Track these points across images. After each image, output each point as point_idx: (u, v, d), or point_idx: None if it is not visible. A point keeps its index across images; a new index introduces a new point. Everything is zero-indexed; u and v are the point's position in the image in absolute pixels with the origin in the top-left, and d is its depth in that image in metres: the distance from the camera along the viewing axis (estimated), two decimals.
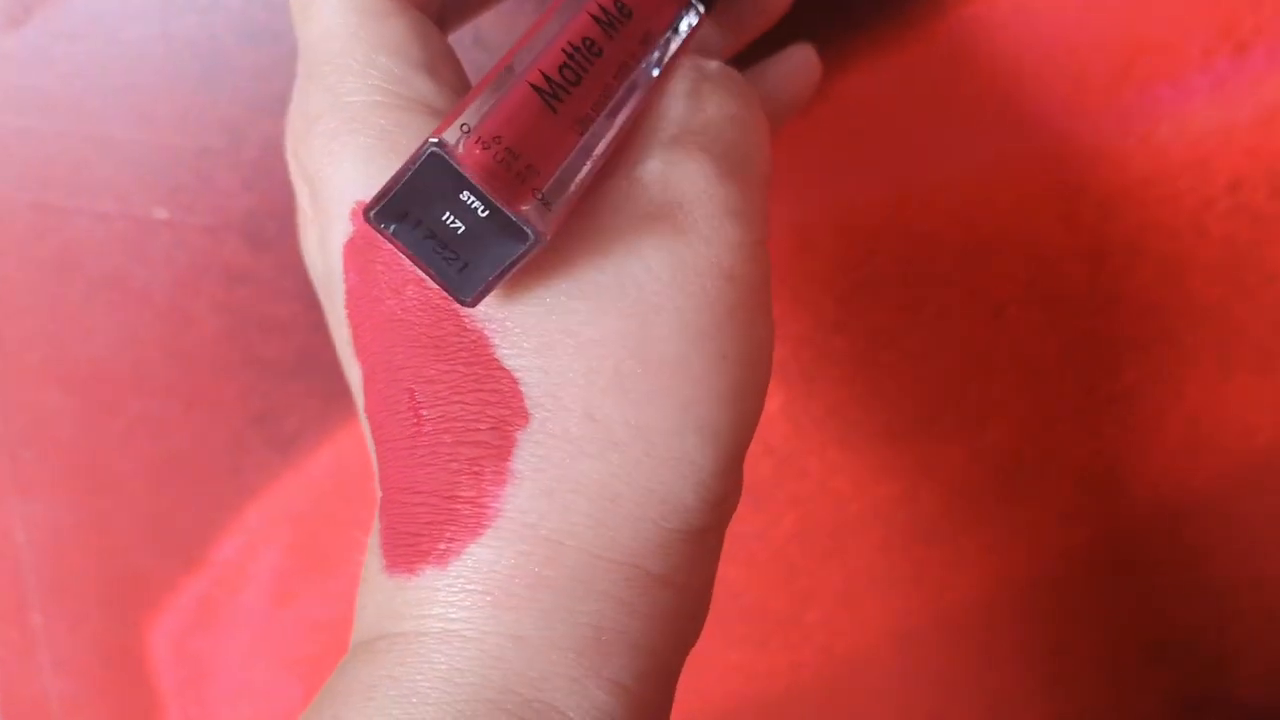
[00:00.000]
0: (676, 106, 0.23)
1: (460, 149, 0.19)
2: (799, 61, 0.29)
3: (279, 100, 0.32)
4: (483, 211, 0.19)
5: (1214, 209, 0.32)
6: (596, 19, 0.22)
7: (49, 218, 0.33)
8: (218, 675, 0.38)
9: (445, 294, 0.20)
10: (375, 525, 0.22)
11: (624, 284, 0.20)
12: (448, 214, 0.19)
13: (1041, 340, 0.34)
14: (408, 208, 0.19)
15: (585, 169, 0.21)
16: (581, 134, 0.21)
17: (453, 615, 0.20)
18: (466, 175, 0.19)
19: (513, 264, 0.19)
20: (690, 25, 0.24)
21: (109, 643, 0.38)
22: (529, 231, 0.19)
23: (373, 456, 0.22)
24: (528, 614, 0.20)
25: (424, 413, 0.21)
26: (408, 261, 0.20)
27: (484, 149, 0.19)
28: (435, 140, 0.19)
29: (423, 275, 0.20)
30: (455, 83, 0.23)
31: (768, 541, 0.36)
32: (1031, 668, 0.37)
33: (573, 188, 0.20)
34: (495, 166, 0.19)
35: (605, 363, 0.20)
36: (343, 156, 0.21)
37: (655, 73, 0.23)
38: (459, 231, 0.19)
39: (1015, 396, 0.34)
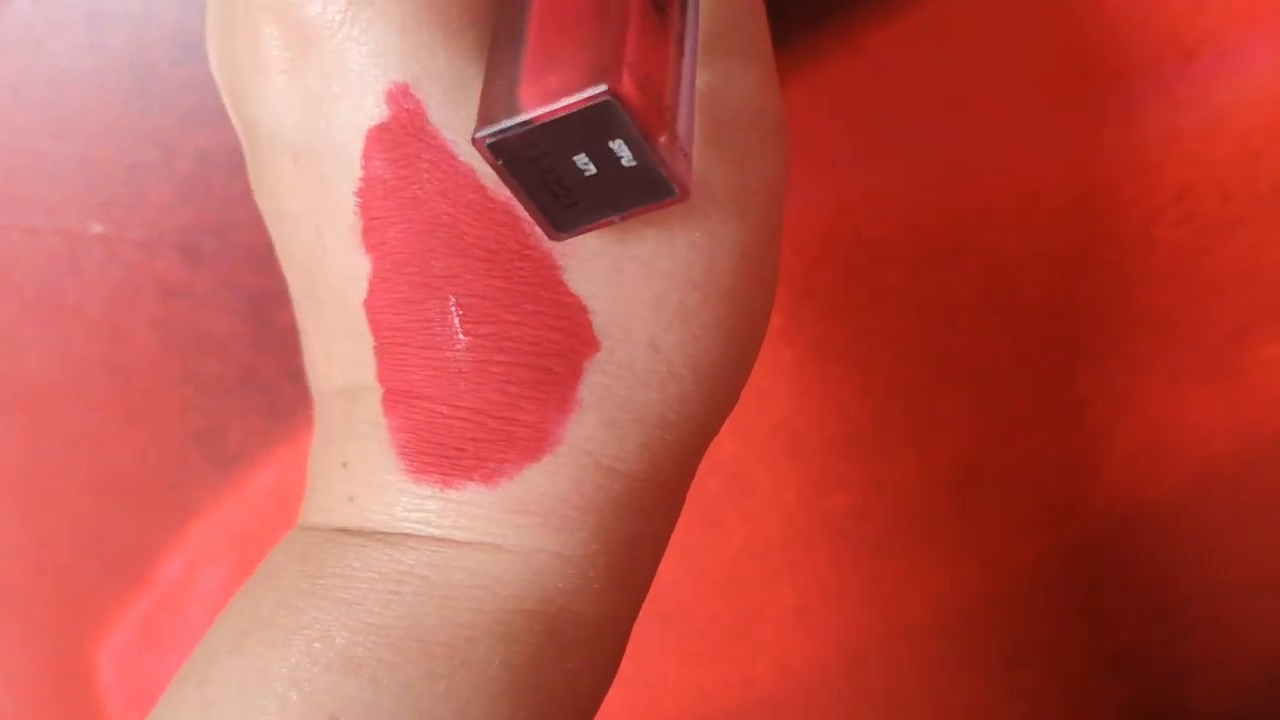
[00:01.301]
0: None
1: (630, 94, 0.16)
2: None
3: (212, 113, 0.31)
4: (628, 162, 0.17)
5: (1164, 218, 0.31)
6: None
7: None
8: (163, 693, 0.37)
9: (509, 207, 0.19)
10: (365, 416, 0.21)
11: (693, 214, 0.20)
12: (582, 155, 0.17)
13: (994, 350, 0.33)
14: (537, 144, 0.17)
15: (690, 96, 0.18)
16: (681, 54, 0.18)
17: (497, 531, 0.20)
18: (635, 127, 0.16)
19: (643, 213, 0.18)
20: None
21: (55, 662, 0.37)
22: (675, 189, 0.17)
23: (339, 341, 0.21)
24: (573, 534, 0.20)
25: (469, 327, 0.20)
26: (466, 165, 0.19)
27: (643, 93, 0.16)
28: (610, 87, 0.16)
29: (510, 198, 0.18)
30: None
31: (718, 557, 0.35)
32: (987, 681, 0.36)
33: (692, 124, 0.18)
34: (652, 114, 0.17)
35: (672, 294, 0.20)
36: (371, 22, 0.19)
37: None
38: (586, 174, 0.17)
39: (967, 407, 0.34)
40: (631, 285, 0.20)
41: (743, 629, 0.36)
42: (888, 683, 0.36)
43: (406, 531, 0.20)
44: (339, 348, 0.21)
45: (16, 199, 0.32)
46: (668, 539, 0.23)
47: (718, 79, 0.20)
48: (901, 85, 0.31)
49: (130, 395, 0.34)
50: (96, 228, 0.33)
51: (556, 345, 0.20)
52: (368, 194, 0.20)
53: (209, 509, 0.35)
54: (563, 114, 0.16)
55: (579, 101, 0.16)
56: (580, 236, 0.19)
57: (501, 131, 0.17)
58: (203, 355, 0.34)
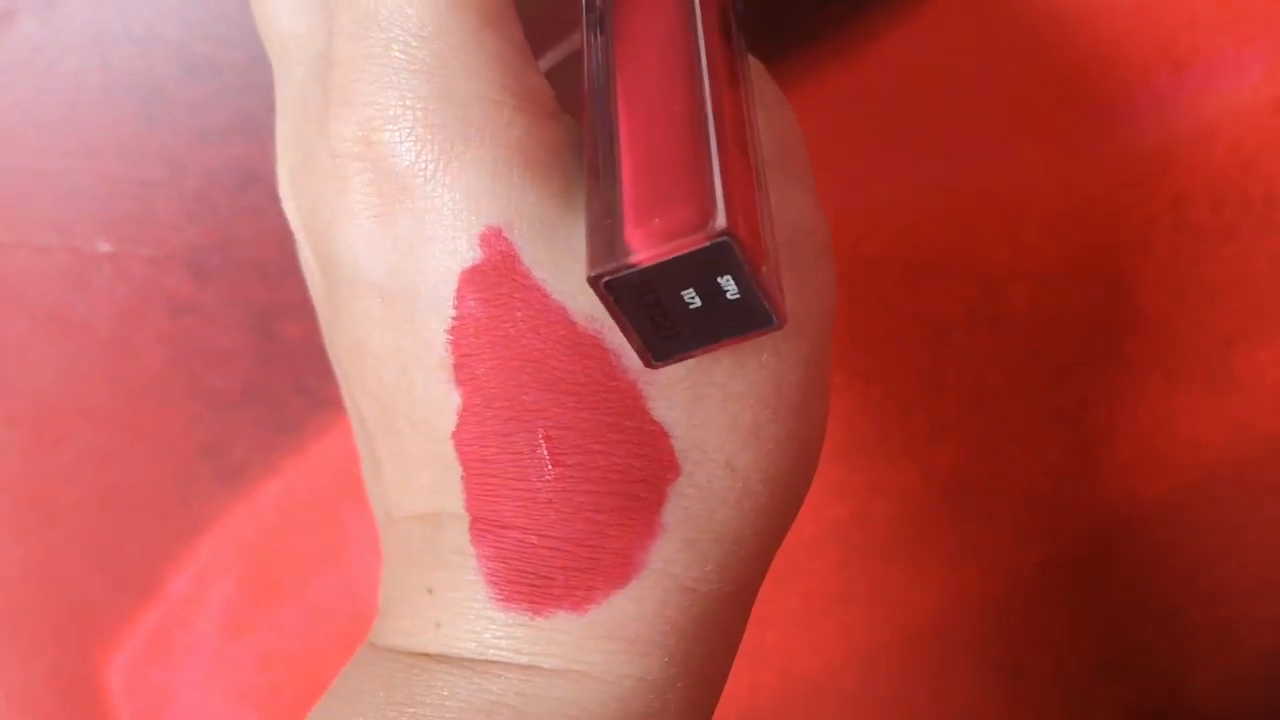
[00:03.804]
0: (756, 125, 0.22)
1: (741, 233, 0.17)
2: None
3: (219, 132, 0.32)
4: (733, 295, 0.18)
5: (1157, 226, 0.32)
6: (725, 35, 0.20)
7: None
8: (174, 707, 0.38)
9: (598, 341, 0.19)
10: (452, 543, 0.21)
11: (760, 336, 0.20)
12: (690, 290, 0.18)
13: (988, 360, 0.34)
14: (650, 281, 0.18)
15: (771, 225, 0.19)
16: (760, 188, 0.19)
17: (585, 658, 0.21)
18: (746, 264, 0.17)
19: (738, 342, 0.19)
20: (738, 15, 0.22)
21: (63, 677, 0.37)
22: (775, 319, 0.18)
23: (424, 470, 0.21)
24: (657, 659, 0.21)
25: (558, 458, 0.20)
26: (558, 303, 0.19)
27: (750, 232, 0.17)
28: (726, 227, 0.17)
29: (599, 332, 0.19)
30: (538, 65, 0.21)
31: None
32: (988, 687, 0.37)
33: (777, 255, 0.19)
34: (758, 250, 0.17)
35: (745, 414, 0.20)
36: (464, 168, 0.19)
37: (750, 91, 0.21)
38: (692, 307, 0.18)
39: (964, 416, 0.34)
40: (709, 408, 0.20)
41: (748, 636, 0.36)
42: (891, 688, 0.37)
43: (494, 659, 0.21)
44: (421, 476, 0.22)
45: (26, 217, 0.33)
46: (736, 650, 0.23)
47: (776, 203, 0.21)
48: (895, 99, 0.32)
49: (138, 410, 0.34)
50: (105, 245, 0.33)
51: (641, 472, 0.20)
52: (460, 332, 0.20)
53: (217, 522, 0.35)
54: (680, 254, 0.17)
55: (697, 242, 0.17)
56: (666, 366, 0.20)
57: (616, 270, 0.17)
58: (210, 370, 0.34)
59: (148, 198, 0.33)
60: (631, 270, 0.17)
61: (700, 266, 0.17)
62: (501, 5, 0.20)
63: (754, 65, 0.23)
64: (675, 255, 0.17)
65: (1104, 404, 0.34)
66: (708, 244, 0.17)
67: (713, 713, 0.23)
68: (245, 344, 0.34)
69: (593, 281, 0.18)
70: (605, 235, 0.18)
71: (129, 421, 0.35)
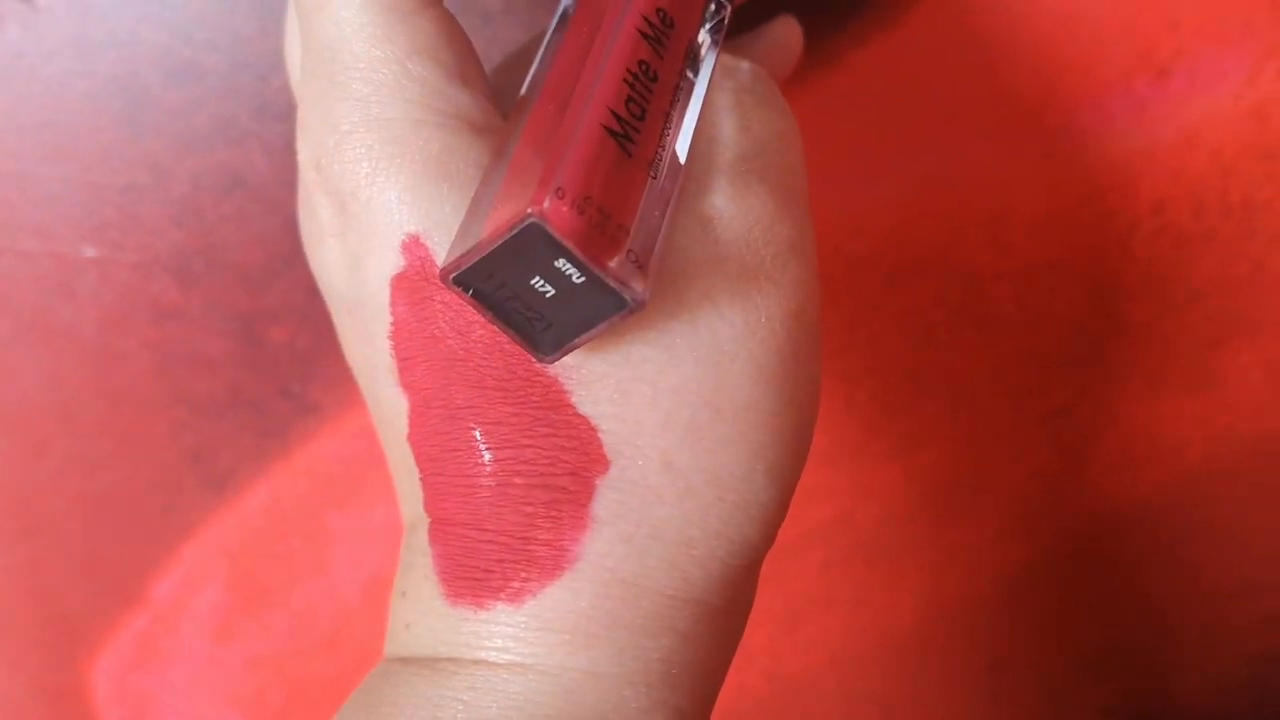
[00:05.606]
0: (724, 126, 0.22)
1: (556, 216, 0.17)
2: (782, 34, 0.29)
3: (204, 136, 0.32)
4: (578, 278, 0.18)
5: (1139, 230, 0.32)
6: (645, 35, 0.21)
7: None
8: (160, 713, 0.37)
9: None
10: (417, 545, 0.22)
11: (699, 332, 0.20)
12: (537, 279, 0.18)
13: (973, 361, 0.34)
14: (493, 273, 0.18)
15: (661, 214, 0.19)
16: (652, 176, 0.20)
17: (527, 650, 0.21)
18: (567, 245, 0.17)
19: (607, 327, 0.19)
20: (723, 21, 0.22)
21: (49, 683, 0.37)
22: (628, 299, 0.18)
23: (403, 477, 0.22)
24: (603, 652, 0.21)
25: (490, 454, 0.21)
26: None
27: (578, 213, 0.18)
28: (533, 211, 0.17)
29: (499, 330, 0.20)
30: (483, 86, 0.22)
31: None
32: (972, 686, 0.37)
33: (657, 240, 0.19)
34: (591, 232, 0.18)
35: (681, 411, 0.20)
36: (387, 183, 0.21)
37: (701, 89, 0.21)
38: (548, 295, 0.18)
39: (948, 417, 0.34)
40: (639, 404, 0.20)
41: None
42: (875, 688, 0.37)
43: (448, 655, 0.21)
44: (403, 484, 0.23)
45: (10, 223, 0.33)
46: (722, 667, 0.23)
47: (725, 200, 0.21)
48: (879, 103, 0.32)
49: (123, 416, 0.34)
50: (90, 251, 0.33)
51: (569, 464, 0.20)
52: (397, 337, 0.21)
53: (202, 528, 0.35)
54: (501, 242, 0.18)
55: (512, 228, 0.18)
56: (588, 360, 0.20)
57: (457, 264, 0.18)
58: (195, 375, 0.34)
59: (132, 203, 0.32)
60: (466, 263, 0.18)
61: (528, 252, 0.18)
62: (431, 35, 0.21)
63: (742, 71, 0.23)
64: (496, 244, 0.18)
65: (1088, 406, 0.34)
66: (519, 229, 0.17)
67: None
68: (230, 349, 0.34)
69: (443, 278, 0.18)
70: (463, 237, 0.19)
71: (113, 427, 0.35)
